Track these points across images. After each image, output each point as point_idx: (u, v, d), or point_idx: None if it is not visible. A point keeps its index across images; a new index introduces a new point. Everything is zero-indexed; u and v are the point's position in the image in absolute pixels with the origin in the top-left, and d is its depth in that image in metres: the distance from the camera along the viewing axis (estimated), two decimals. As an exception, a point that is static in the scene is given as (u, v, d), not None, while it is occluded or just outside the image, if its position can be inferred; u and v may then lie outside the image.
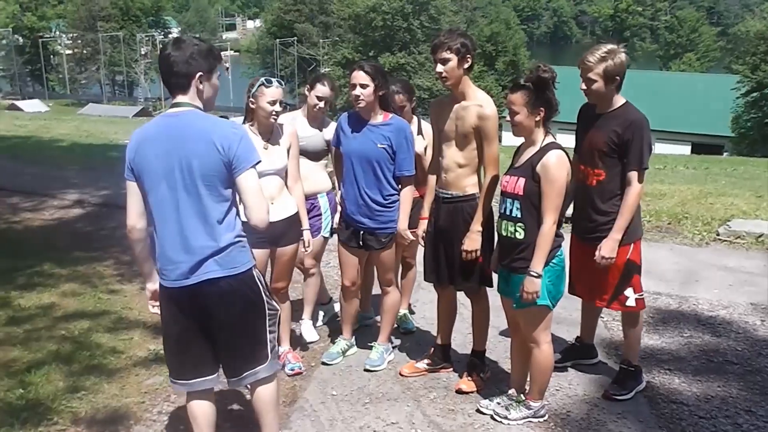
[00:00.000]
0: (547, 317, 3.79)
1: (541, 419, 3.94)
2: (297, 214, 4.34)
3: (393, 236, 4.42)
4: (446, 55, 3.92)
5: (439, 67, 3.96)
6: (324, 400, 4.20)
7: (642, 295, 4.15)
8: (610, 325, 5.22)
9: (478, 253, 4.05)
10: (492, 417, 3.96)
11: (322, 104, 4.69)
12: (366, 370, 4.53)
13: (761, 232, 7.40)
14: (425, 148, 4.75)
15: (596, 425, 3.93)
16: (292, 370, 4.52)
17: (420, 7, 47.40)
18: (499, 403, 3.99)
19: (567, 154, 3.69)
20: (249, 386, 3.34)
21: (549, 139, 3.70)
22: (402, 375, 4.49)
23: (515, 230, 3.71)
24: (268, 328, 3.17)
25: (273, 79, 4.12)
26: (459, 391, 4.26)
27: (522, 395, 3.97)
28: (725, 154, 32.23)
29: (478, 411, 4.04)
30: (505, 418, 3.92)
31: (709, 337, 5.13)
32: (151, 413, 4.06)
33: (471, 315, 4.45)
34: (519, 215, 3.68)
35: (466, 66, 3.96)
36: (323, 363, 4.64)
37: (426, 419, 3.99)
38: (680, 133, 32.59)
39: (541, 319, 3.77)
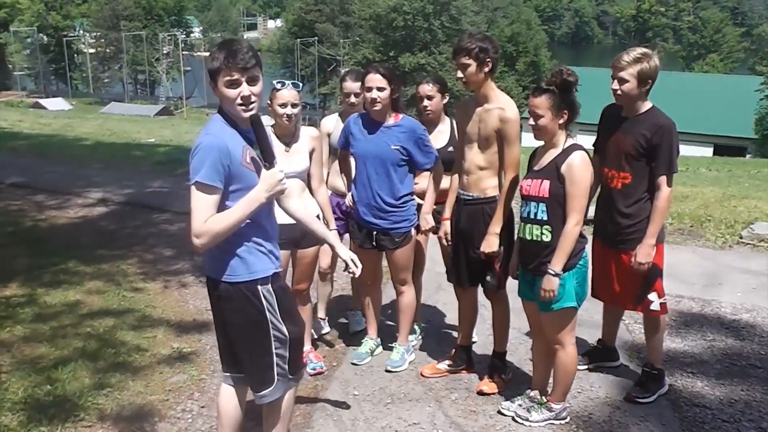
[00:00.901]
0: (573, 319, 3.80)
1: (563, 421, 3.95)
2: (318, 216, 4.37)
3: (407, 235, 4.44)
4: (465, 60, 3.96)
5: (459, 73, 4.01)
6: (346, 400, 4.22)
7: (665, 299, 4.16)
8: (631, 328, 5.20)
9: (495, 254, 4.06)
10: (513, 419, 3.97)
11: (353, 99, 4.71)
12: (387, 371, 4.55)
13: (785, 236, 7.33)
14: None
15: (618, 428, 3.92)
16: (314, 369, 4.55)
17: (441, 7, 47.32)
18: (520, 405, 4.00)
19: (589, 155, 3.70)
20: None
21: (570, 140, 3.72)
22: (423, 376, 4.51)
23: (541, 233, 3.71)
24: (274, 351, 3.06)
25: (287, 82, 4.12)
26: (480, 393, 4.27)
27: (544, 397, 3.98)
28: (748, 156, 31.90)
29: (499, 413, 4.05)
30: (527, 420, 3.93)
31: (732, 340, 5.10)
32: (175, 411, 4.11)
33: (491, 316, 4.45)
34: (545, 218, 3.68)
35: (486, 70, 3.98)
36: (353, 363, 4.67)
37: (447, 420, 4.00)
38: (703, 135, 32.32)
39: (568, 320, 3.78)
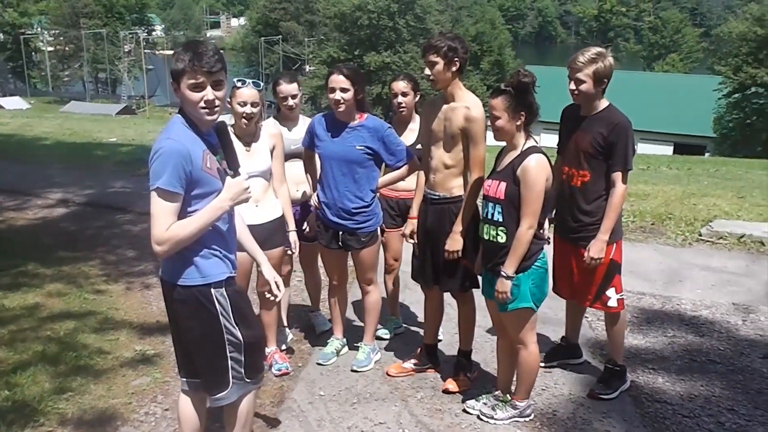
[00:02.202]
0: (532, 318, 3.82)
1: (527, 419, 3.98)
2: (282, 217, 4.35)
3: (372, 235, 4.43)
4: (433, 58, 3.97)
5: (427, 71, 4.02)
6: (312, 401, 4.21)
7: (623, 295, 4.22)
8: (594, 325, 5.27)
9: (460, 253, 4.08)
10: (478, 417, 3.99)
11: (290, 102, 4.64)
12: (353, 371, 4.54)
13: (743, 233, 7.49)
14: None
15: (582, 424, 3.97)
16: (279, 370, 4.53)
17: (406, 6, 47.34)
18: (485, 404, 4.02)
19: (548, 158, 3.71)
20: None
21: (530, 143, 3.72)
22: (389, 375, 4.51)
23: (497, 234, 3.73)
24: (228, 355, 3.02)
25: (247, 80, 4.08)
26: (446, 391, 4.29)
27: (508, 395, 4.01)
28: (707, 154, 32.48)
29: (464, 411, 4.07)
30: (492, 417, 3.95)
31: (693, 336, 5.19)
32: (138, 414, 4.05)
33: (457, 315, 4.47)
34: (500, 219, 3.71)
35: (454, 69, 3.99)
36: (319, 363, 4.65)
37: (413, 419, 4.01)
38: (663, 134, 32.87)
39: (526, 320, 3.80)
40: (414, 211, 4.40)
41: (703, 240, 7.55)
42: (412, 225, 4.40)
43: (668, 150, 31.65)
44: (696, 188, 10.98)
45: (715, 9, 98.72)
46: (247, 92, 4.04)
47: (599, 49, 3.98)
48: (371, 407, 4.13)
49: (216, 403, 3.12)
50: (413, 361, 4.59)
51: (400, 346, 4.94)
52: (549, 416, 4.05)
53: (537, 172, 3.60)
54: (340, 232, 4.42)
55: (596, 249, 4.00)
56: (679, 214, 8.44)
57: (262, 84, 4.18)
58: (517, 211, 3.65)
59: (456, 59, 3.97)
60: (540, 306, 3.84)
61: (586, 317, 4.99)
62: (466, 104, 4.01)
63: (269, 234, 4.23)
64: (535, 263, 3.73)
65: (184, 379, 3.20)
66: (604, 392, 4.26)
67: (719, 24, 61.94)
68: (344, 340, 4.82)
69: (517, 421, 3.95)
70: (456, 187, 4.14)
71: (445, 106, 4.07)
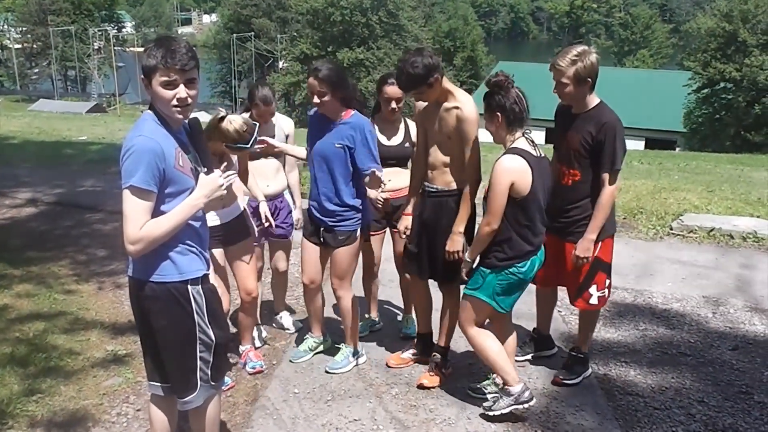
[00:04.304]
0: (478, 311, 3.87)
1: (527, 404, 3.89)
2: (242, 213, 4.35)
3: (350, 235, 4.33)
4: (418, 91, 4.01)
5: (420, 104, 4.14)
6: (286, 398, 4.19)
7: (604, 293, 4.22)
8: (567, 319, 5.31)
9: (460, 254, 4.06)
10: (485, 415, 3.98)
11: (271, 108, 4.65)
12: (326, 372, 4.50)
13: (712, 226, 7.59)
14: None
15: (555, 418, 4.00)
16: (254, 368, 4.50)
17: (378, 2, 47.26)
18: (492, 395, 4.04)
19: (526, 159, 3.64)
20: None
21: (517, 143, 3.70)
22: (389, 366, 4.55)
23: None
24: (198, 355, 2.98)
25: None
26: (421, 387, 4.29)
27: (500, 381, 3.99)
28: (678, 149, 32.88)
29: (471, 393, 4.14)
30: (490, 409, 3.94)
31: (664, 329, 5.25)
32: (109, 415, 4.01)
33: (441, 310, 4.44)
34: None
35: (437, 84, 3.97)
36: (291, 361, 4.63)
37: (388, 415, 4.01)
38: (635, 129, 33.06)
39: (474, 310, 3.88)
40: (409, 208, 4.39)
41: (673, 234, 7.64)
42: (406, 221, 4.39)
43: (640, 145, 31.96)
44: (667, 182, 11.11)
45: (684, 5, 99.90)
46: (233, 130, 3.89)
47: (580, 49, 3.91)
48: (346, 404, 4.13)
49: (184, 407, 3.09)
50: (412, 350, 4.60)
51: (381, 341, 4.95)
52: (522, 410, 4.06)
53: (498, 173, 3.63)
54: (321, 228, 4.40)
55: (583, 248, 4.02)
56: (651, 208, 8.54)
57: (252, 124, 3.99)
58: None
59: (436, 76, 3.95)
60: (506, 309, 3.88)
61: (559, 311, 5.03)
62: (457, 104, 3.99)
63: (230, 230, 4.25)
64: (509, 269, 3.73)
65: (154, 383, 3.14)
66: (568, 378, 4.34)
67: (688, 20, 62.71)
68: (320, 338, 4.77)
69: (517, 408, 3.89)
70: (454, 181, 4.13)
71: (439, 108, 4.06)
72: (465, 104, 3.98)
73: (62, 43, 60.63)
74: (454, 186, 4.12)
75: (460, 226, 4.05)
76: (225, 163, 3.90)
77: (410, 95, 4.10)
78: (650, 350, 4.89)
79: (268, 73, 53.74)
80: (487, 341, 3.92)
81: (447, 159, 4.09)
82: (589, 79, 3.91)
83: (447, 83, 4.05)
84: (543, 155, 3.78)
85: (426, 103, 4.18)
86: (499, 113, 3.67)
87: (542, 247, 3.89)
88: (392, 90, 4.54)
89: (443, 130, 4.05)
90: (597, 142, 3.91)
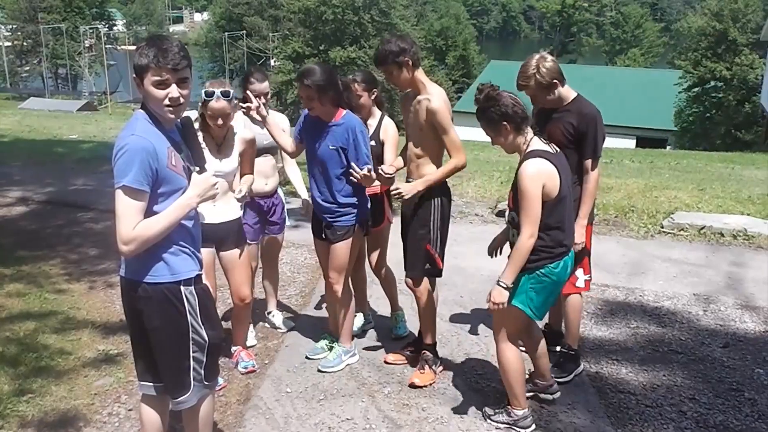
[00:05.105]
0: (518, 321, 3.69)
1: (525, 429, 3.81)
2: (238, 219, 4.34)
3: (349, 229, 4.35)
4: (387, 68, 4.08)
5: (387, 80, 4.16)
6: (278, 398, 4.18)
7: (590, 276, 4.33)
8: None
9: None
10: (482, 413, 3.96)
11: (262, 100, 4.58)
12: (319, 371, 4.49)
13: (703, 224, 7.62)
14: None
15: (547, 416, 4.00)
16: (245, 368, 4.50)
17: (370, 0, 47.21)
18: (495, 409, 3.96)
19: (548, 159, 3.52)
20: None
21: (532, 146, 3.58)
22: (387, 363, 4.57)
23: (514, 236, 3.62)
24: (191, 355, 2.97)
25: (216, 91, 4.00)
26: (412, 386, 4.29)
27: (506, 401, 3.90)
28: (668, 147, 32.96)
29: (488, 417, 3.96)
30: (489, 417, 3.90)
31: (655, 327, 5.27)
32: (101, 415, 3.99)
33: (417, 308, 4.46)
34: (517, 221, 3.58)
35: (408, 68, 4.07)
36: (307, 357, 4.66)
37: (381, 414, 4.01)
38: (626, 127, 33.18)
39: (512, 320, 3.68)
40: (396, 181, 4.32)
41: (664, 232, 7.66)
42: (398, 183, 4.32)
43: (631, 143, 32.01)
44: (658, 181, 11.16)
45: (674, 4, 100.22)
46: (217, 107, 3.98)
47: (535, 58, 4.03)
48: (338, 403, 4.12)
49: (178, 407, 3.08)
50: (410, 348, 4.62)
51: (373, 339, 4.95)
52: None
53: (528, 178, 3.46)
54: (323, 224, 4.43)
55: (578, 235, 4.05)
56: (642, 206, 8.57)
57: (232, 92, 4.04)
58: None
59: (406, 59, 4.04)
60: (540, 317, 3.76)
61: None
62: (427, 96, 4.06)
63: (224, 235, 4.24)
64: (541, 269, 3.58)
65: (146, 383, 3.13)
66: (560, 375, 4.34)
67: (679, 19, 62.82)
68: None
69: (512, 429, 3.85)
70: (429, 173, 4.18)
71: (414, 100, 4.16)
72: (434, 95, 4.06)
73: (53, 41, 60.25)
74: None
75: (421, 185, 4.09)
76: (223, 150, 3.95)
77: (381, 72, 4.14)
78: (641, 348, 4.91)
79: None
80: (512, 360, 3.75)
81: (420, 151, 4.17)
82: (555, 81, 4.03)
83: (421, 75, 4.14)
84: (558, 150, 3.69)
85: (404, 96, 4.29)
86: (505, 122, 3.55)
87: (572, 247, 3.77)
88: (354, 87, 4.63)
89: (416, 122, 4.13)
90: (579, 133, 4.06)
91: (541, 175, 3.48)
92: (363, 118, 4.70)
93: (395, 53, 4.03)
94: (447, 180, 4.27)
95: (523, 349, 4.00)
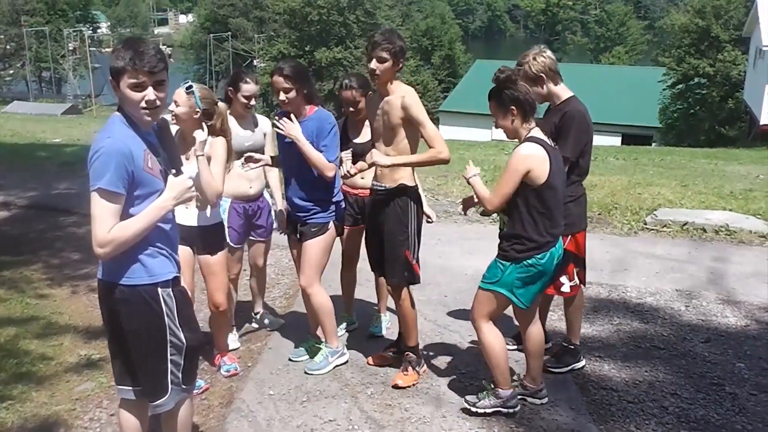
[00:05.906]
0: (495, 305, 3.83)
1: (511, 410, 3.92)
2: (216, 225, 4.33)
3: (322, 226, 4.37)
4: (384, 54, 4.01)
5: (374, 64, 4.02)
6: (261, 400, 4.17)
7: (576, 282, 4.34)
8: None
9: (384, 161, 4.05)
10: (465, 403, 3.98)
11: (252, 102, 4.66)
12: (306, 373, 4.47)
13: (686, 221, 7.67)
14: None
15: (529, 414, 4.01)
16: (228, 371, 4.48)
17: (356, 1, 47.20)
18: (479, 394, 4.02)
19: (544, 147, 3.65)
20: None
21: (533, 133, 3.72)
22: (369, 364, 4.56)
23: (503, 221, 3.82)
24: (169, 358, 2.95)
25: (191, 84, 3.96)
26: (396, 386, 4.28)
27: (492, 383, 3.98)
28: (654, 144, 33.14)
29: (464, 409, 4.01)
30: (474, 405, 3.94)
31: (638, 323, 5.30)
32: (82, 420, 3.97)
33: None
34: (506, 208, 3.74)
35: (398, 68, 4.06)
36: (290, 360, 4.64)
37: (363, 415, 4.00)
38: (611, 125, 33.33)
39: (491, 305, 3.83)
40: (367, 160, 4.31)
41: (647, 228, 7.71)
42: (361, 164, 4.36)
43: (617, 141, 32.18)
44: (641, 178, 11.22)
45: (658, 2, 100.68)
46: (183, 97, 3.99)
47: (534, 50, 4.18)
48: (321, 405, 4.11)
49: (156, 411, 3.06)
50: (392, 349, 4.61)
51: (356, 341, 4.93)
52: (505, 413, 4.06)
53: (516, 159, 3.63)
54: (298, 224, 4.42)
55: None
56: (625, 203, 8.61)
57: (194, 86, 3.93)
58: (513, 200, 3.67)
59: (402, 59, 4.06)
60: (526, 304, 3.82)
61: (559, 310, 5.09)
62: (400, 94, 4.05)
63: (200, 238, 4.22)
64: (527, 260, 3.70)
65: (124, 387, 3.10)
66: (555, 366, 4.40)
67: (662, 16, 63.08)
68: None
69: (500, 411, 3.91)
70: (402, 177, 4.16)
71: (381, 102, 4.10)
72: (408, 92, 4.06)
73: (36, 44, 59.82)
74: (401, 182, 4.15)
75: (388, 160, 4.03)
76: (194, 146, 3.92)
77: (375, 54, 4.01)
78: (624, 344, 4.93)
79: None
80: (495, 340, 3.87)
81: (392, 152, 4.10)
82: (541, 75, 4.09)
83: (395, 81, 4.13)
84: (555, 146, 3.80)
85: (369, 99, 4.31)
86: (514, 107, 3.67)
87: (560, 239, 3.87)
88: (347, 95, 4.66)
89: (387, 123, 4.09)
90: (558, 130, 4.08)
91: (530, 159, 3.62)
92: (361, 120, 4.72)
93: (402, 50, 4.04)
94: (420, 185, 4.25)
95: (522, 347, 4.10)
